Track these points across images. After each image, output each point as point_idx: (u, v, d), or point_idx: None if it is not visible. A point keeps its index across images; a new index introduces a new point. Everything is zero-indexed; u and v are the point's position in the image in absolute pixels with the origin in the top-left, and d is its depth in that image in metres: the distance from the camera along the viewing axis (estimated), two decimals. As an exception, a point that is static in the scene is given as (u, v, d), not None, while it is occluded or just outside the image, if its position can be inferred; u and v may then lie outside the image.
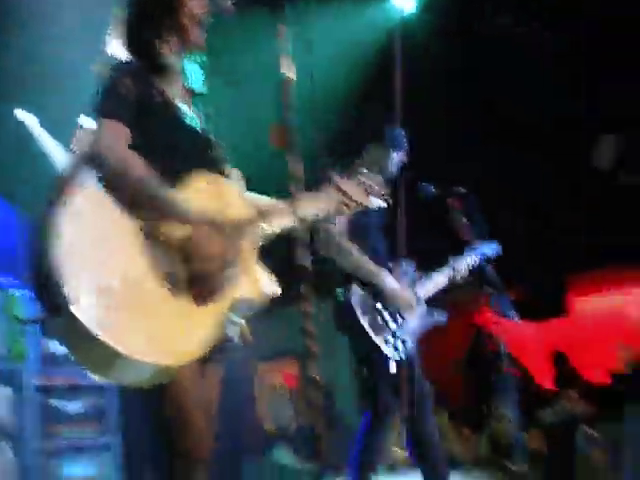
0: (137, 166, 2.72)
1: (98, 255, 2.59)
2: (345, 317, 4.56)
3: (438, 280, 4.97)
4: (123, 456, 6.68)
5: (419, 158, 7.47)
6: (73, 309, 2.45)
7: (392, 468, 7.89)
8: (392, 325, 4.59)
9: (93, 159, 2.69)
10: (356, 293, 4.54)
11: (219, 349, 2.90)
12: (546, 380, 10.90)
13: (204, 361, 2.87)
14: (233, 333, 2.95)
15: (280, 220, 3.01)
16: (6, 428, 5.96)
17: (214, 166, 3.01)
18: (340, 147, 7.00)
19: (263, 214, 2.99)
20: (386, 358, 4.54)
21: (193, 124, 3.02)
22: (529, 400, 8.54)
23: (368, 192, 3.38)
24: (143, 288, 2.63)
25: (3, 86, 6.52)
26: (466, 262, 5.11)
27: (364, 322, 4.50)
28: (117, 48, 2.95)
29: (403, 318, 4.66)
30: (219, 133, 3.10)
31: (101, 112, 2.78)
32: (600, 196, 9.04)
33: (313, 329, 2.51)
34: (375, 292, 4.60)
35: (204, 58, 3.10)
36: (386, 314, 4.60)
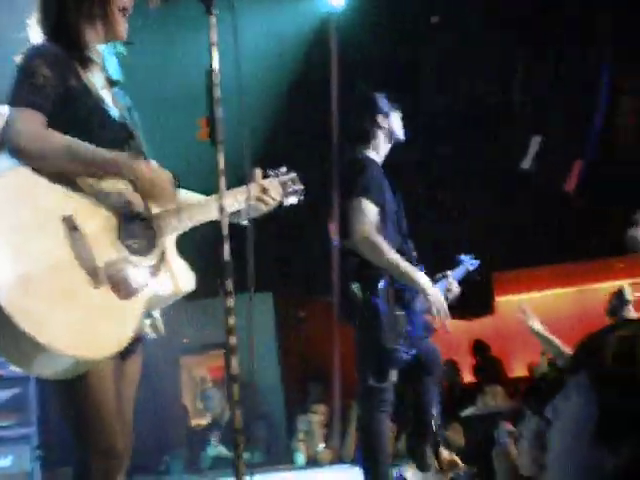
0: (59, 141, 2.70)
1: (16, 241, 2.54)
2: (362, 313, 4.47)
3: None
4: (42, 448, 6.60)
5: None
6: (3, 305, 2.41)
7: (316, 463, 7.93)
8: (404, 332, 4.55)
9: (9, 148, 2.66)
10: (381, 292, 4.48)
11: (135, 344, 2.87)
12: (470, 374, 11.07)
13: (122, 357, 2.84)
14: (146, 326, 2.92)
15: (200, 214, 3.00)
16: None
17: (135, 154, 3.00)
18: (267, 141, 7.01)
19: (185, 207, 2.98)
20: (392, 363, 4.51)
21: (113, 114, 2.99)
22: (452, 395, 8.66)
23: (286, 191, 3.39)
24: (65, 278, 2.59)
25: None
26: (459, 274, 5.20)
27: (383, 325, 4.45)
28: (37, 33, 2.91)
29: (415, 326, 4.63)
30: (142, 125, 3.07)
31: (15, 101, 2.74)
32: (526, 197, 9.20)
33: (235, 324, 2.49)
34: (399, 293, 4.57)
35: (122, 49, 3.09)
36: (402, 319, 4.56)
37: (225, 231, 2.55)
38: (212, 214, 2.98)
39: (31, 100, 2.73)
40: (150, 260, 2.82)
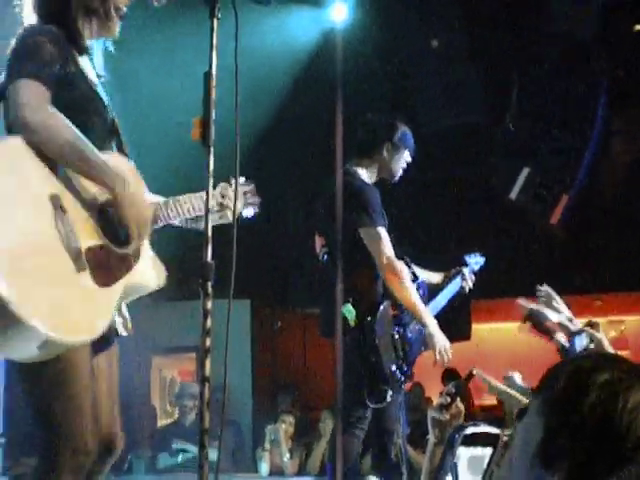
0: (65, 126, 2.68)
1: (3, 213, 2.52)
2: (357, 334, 4.47)
3: (447, 294, 5.05)
4: (4, 436, 6.56)
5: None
6: None
7: (280, 473, 7.91)
8: (401, 354, 4.56)
9: (12, 119, 2.63)
10: (381, 315, 4.49)
11: (110, 336, 2.87)
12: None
13: (96, 350, 2.83)
14: (118, 324, 2.92)
15: (174, 213, 3.01)
16: None
17: (119, 150, 3.01)
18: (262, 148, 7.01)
19: (160, 205, 2.99)
20: (391, 385, 4.51)
21: (106, 104, 3.00)
22: (419, 417, 8.66)
23: (245, 201, 3.39)
24: (48, 258, 2.57)
25: None
26: (468, 273, 5.21)
27: (379, 346, 4.46)
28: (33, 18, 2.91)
29: (413, 348, 4.65)
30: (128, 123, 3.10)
31: (19, 73, 2.70)
32: (511, 228, 9.25)
33: (212, 326, 2.50)
34: (397, 316, 4.59)
35: (108, 44, 3.11)
36: (398, 341, 4.57)
37: (208, 233, 2.55)
38: (184, 214, 3.01)
39: (37, 73, 2.70)
40: (127, 250, 2.82)
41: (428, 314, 4.62)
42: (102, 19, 2.99)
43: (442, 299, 5.06)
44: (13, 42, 2.81)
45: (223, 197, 3.24)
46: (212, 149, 2.63)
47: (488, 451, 4.93)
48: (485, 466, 4.75)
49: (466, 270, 5.23)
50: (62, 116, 2.69)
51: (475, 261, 5.47)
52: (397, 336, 4.58)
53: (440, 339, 4.60)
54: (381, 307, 4.51)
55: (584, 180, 8.29)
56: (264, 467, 7.97)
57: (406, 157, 4.91)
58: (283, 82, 7.74)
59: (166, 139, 6.30)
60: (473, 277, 5.29)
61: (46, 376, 2.68)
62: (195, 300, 2.58)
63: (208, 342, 2.48)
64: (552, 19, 7.64)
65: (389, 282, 4.52)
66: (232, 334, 2.56)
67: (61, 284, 2.59)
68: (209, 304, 2.50)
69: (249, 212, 3.46)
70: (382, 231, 4.54)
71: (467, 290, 5.18)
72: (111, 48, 3.13)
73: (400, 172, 4.92)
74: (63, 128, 2.67)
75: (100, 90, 3.00)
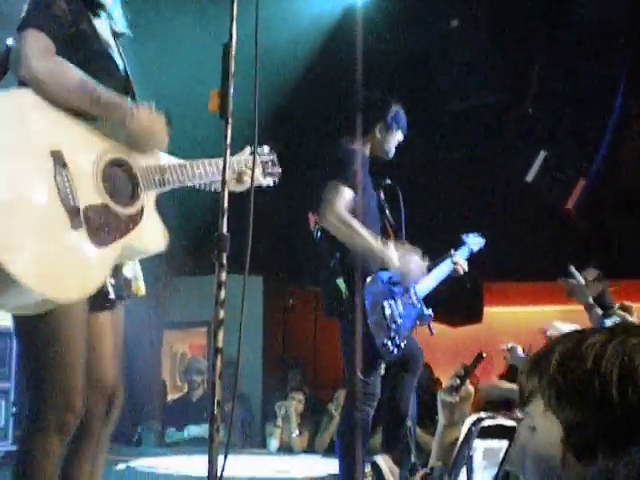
0: (70, 70, 2.66)
1: (2, 164, 2.50)
2: (349, 309, 4.47)
3: (438, 275, 5.01)
4: (17, 405, 6.58)
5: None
6: None
7: (289, 450, 7.94)
8: (393, 326, 4.55)
9: (19, 68, 2.61)
10: (370, 287, 4.49)
11: (111, 296, 2.83)
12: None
13: (98, 308, 2.80)
14: (128, 287, 2.90)
15: (183, 176, 2.98)
16: None
17: None
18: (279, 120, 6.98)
19: (169, 167, 2.96)
20: (381, 357, 4.52)
21: (120, 64, 2.97)
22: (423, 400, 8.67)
23: (265, 171, 3.37)
24: (44, 213, 2.54)
25: None
26: (462, 255, 5.18)
27: (370, 319, 4.45)
28: None
29: (405, 319, 4.63)
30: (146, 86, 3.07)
31: (29, 23, 2.68)
32: (527, 211, 9.20)
33: (225, 299, 2.48)
34: (388, 288, 4.57)
35: None
36: (389, 313, 4.56)
37: (224, 204, 2.53)
38: (195, 179, 2.98)
39: (45, 26, 2.68)
40: (129, 211, 2.80)
41: (385, 247, 4.58)
42: None
43: (431, 281, 5.01)
44: None
45: (241, 165, 3.20)
46: (230, 120, 2.61)
47: (504, 443, 4.93)
48: (500, 459, 4.75)
49: (459, 252, 5.18)
50: (66, 61, 2.67)
51: (474, 241, 5.41)
52: (388, 308, 4.56)
53: (401, 264, 4.57)
54: (368, 279, 4.49)
55: (601, 164, 8.23)
56: (273, 443, 7.99)
57: (398, 136, 4.90)
58: (303, 57, 7.72)
59: (183, 109, 6.30)
60: (465, 261, 5.22)
61: (37, 334, 2.66)
62: (207, 275, 2.56)
63: (222, 313, 2.46)
64: (575, 1, 7.57)
65: (337, 232, 4.51)
66: (244, 310, 2.54)
67: (54, 241, 2.56)
68: (223, 276, 2.48)
69: (269, 182, 3.43)
70: (341, 187, 4.52)
71: (461, 272, 5.12)
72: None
73: (393, 151, 4.90)
74: (69, 72, 2.66)
75: (114, 50, 2.97)
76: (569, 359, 1.49)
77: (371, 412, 4.58)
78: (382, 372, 4.59)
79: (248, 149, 3.26)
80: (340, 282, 4.49)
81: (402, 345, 4.58)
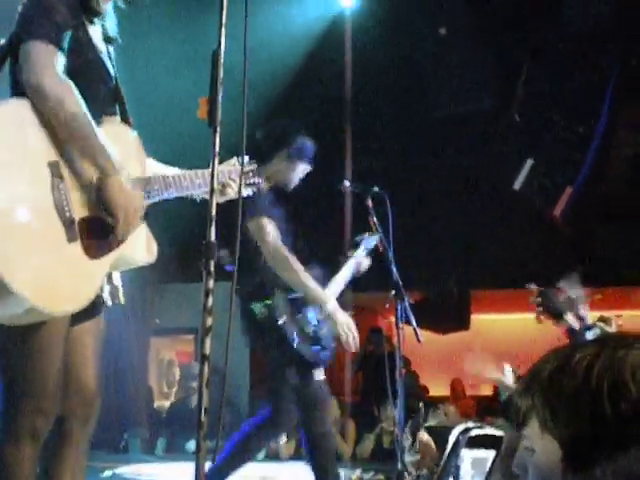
0: (74, 97, 2.63)
1: (17, 175, 2.48)
2: (267, 331, 4.47)
3: (342, 278, 4.99)
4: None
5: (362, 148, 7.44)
6: None
7: (277, 457, 7.93)
8: (312, 332, 4.56)
9: (27, 84, 2.58)
10: (279, 306, 4.48)
11: (93, 306, 2.82)
12: (437, 388, 11.09)
13: (81, 315, 2.78)
14: (106, 294, 2.89)
15: (172, 187, 2.97)
16: None
17: (123, 120, 2.97)
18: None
19: (157, 178, 2.94)
20: (309, 366, 4.51)
21: (111, 72, 2.96)
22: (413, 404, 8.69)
23: (246, 181, 3.36)
24: (41, 224, 2.52)
25: None
26: (361, 253, 5.14)
27: (290, 334, 4.45)
28: None
29: (322, 326, 4.63)
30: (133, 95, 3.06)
31: (35, 33, 2.63)
32: (513, 218, 9.24)
33: (212, 306, 2.48)
34: (293, 302, 4.57)
35: (119, 3, 3.02)
36: (303, 321, 4.56)
37: (212, 212, 2.53)
38: (182, 191, 2.98)
39: (49, 35, 2.63)
40: None
41: (324, 294, 4.59)
42: None
43: (338, 285, 5.02)
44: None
45: (224, 176, 3.20)
46: (218, 128, 2.60)
47: (491, 453, 4.95)
48: (488, 469, 4.77)
49: (358, 252, 5.18)
50: (72, 85, 2.64)
51: (368, 240, 5.42)
52: (301, 319, 4.57)
53: (341, 317, 4.57)
54: (277, 298, 4.51)
55: (588, 172, 8.27)
56: (260, 451, 7.98)
57: (303, 169, 4.81)
58: (292, 64, 7.72)
59: (170, 117, 6.30)
60: (366, 260, 5.23)
61: (11, 340, 2.64)
62: (194, 283, 2.55)
63: (209, 321, 2.46)
64: (565, 6, 7.60)
65: (278, 269, 4.52)
66: (223, 313, 2.55)
67: (50, 253, 2.54)
68: (211, 283, 2.47)
69: (248, 192, 3.43)
70: (265, 221, 4.51)
71: (362, 269, 5.13)
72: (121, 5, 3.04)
73: (295, 182, 4.80)
74: (72, 98, 2.62)
75: (106, 58, 2.95)
76: (559, 376, 1.50)
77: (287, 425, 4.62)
78: (322, 377, 4.60)
79: (232, 160, 3.26)
80: (256, 307, 4.50)
81: (331, 344, 4.61)
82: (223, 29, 2.68)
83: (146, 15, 6.37)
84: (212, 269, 2.48)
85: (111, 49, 3.01)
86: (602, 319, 4.54)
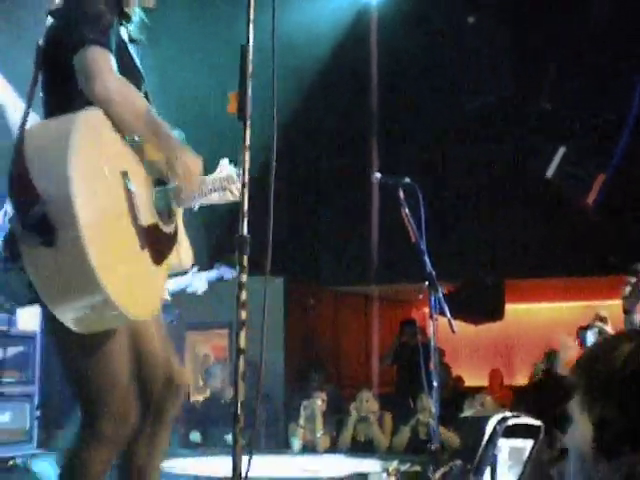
0: (138, 96, 2.69)
1: (92, 187, 2.49)
2: None
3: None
4: (41, 408, 6.62)
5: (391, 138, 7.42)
6: (83, 237, 2.35)
7: (313, 450, 7.95)
8: None
9: (97, 91, 2.58)
10: None
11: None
12: (472, 378, 11.06)
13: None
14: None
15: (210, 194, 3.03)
16: None
17: None
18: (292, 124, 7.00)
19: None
20: None
21: (141, 72, 2.98)
22: (451, 396, 8.68)
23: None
24: (122, 234, 2.57)
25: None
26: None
27: None
28: None
29: None
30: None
31: (90, 38, 2.63)
32: (547, 208, 9.18)
33: (246, 300, 2.50)
34: None
35: (142, 14, 3.03)
36: None
37: (244, 207, 2.55)
38: (215, 198, 3.03)
39: (103, 40, 2.65)
40: (171, 229, 2.84)
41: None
42: None
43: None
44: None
45: (224, 178, 3.20)
46: (248, 122, 2.62)
47: (529, 443, 4.93)
48: (525, 458, 4.75)
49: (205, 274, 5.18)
50: (132, 86, 2.68)
51: (226, 271, 5.44)
52: None
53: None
54: None
55: (621, 159, 8.20)
56: (296, 443, 8.00)
57: None
58: (319, 57, 7.72)
59: (201, 112, 6.32)
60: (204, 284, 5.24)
61: (82, 342, 2.68)
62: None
63: (243, 315, 2.47)
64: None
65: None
66: (258, 308, 2.56)
67: (130, 260, 2.59)
68: (244, 277, 2.49)
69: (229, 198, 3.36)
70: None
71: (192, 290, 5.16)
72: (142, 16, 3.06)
73: None
74: (137, 94, 2.68)
75: (136, 59, 2.97)
76: (600, 362, 1.55)
77: None
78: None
79: (223, 162, 3.26)
80: None
81: None
82: (251, 25, 2.70)
83: (171, 13, 6.41)
84: (245, 263, 2.50)
85: (136, 49, 3.02)
86: (600, 318, 4.49)
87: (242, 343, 2.43)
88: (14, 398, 6.39)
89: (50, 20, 2.80)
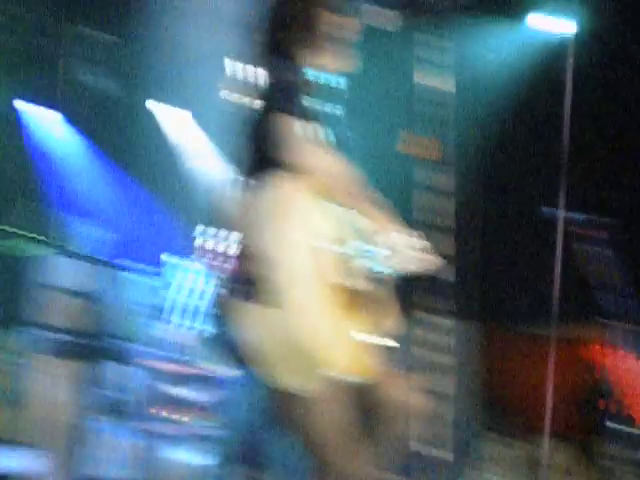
0: (334, 162, 2.68)
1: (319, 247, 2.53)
2: None
3: None
4: (235, 451, 6.69)
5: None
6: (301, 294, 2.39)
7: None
8: None
9: (290, 160, 2.59)
10: None
11: None
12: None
13: None
14: None
15: None
16: (109, 405, 6.04)
17: None
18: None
19: None
20: None
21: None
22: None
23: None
24: (326, 292, 2.55)
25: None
26: None
27: None
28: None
29: None
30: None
31: (282, 108, 2.64)
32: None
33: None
34: None
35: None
36: None
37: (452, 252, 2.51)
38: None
39: (294, 112, 2.67)
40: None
41: None
42: (314, 53, 2.85)
43: None
44: (265, 71, 2.78)
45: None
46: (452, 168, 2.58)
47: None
48: None
49: None
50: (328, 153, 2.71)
51: None
52: None
53: None
54: None
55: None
56: None
57: None
58: (510, 93, 7.63)
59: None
60: None
61: (304, 403, 2.68)
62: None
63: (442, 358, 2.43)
64: None
65: None
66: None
67: (344, 320, 2.57)
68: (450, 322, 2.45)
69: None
70: None
71: None
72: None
73: None
74: (334, 164, 2.68)
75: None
76: None
77: None
78: None
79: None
80: None
81: None
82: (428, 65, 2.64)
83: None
84: (454, 309, 2.45)
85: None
86: None
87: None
88: (199, 439, 6.53)
89: None
